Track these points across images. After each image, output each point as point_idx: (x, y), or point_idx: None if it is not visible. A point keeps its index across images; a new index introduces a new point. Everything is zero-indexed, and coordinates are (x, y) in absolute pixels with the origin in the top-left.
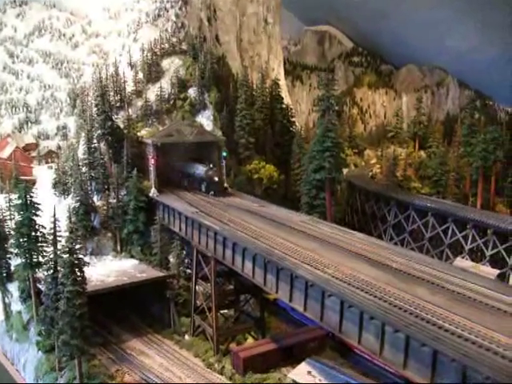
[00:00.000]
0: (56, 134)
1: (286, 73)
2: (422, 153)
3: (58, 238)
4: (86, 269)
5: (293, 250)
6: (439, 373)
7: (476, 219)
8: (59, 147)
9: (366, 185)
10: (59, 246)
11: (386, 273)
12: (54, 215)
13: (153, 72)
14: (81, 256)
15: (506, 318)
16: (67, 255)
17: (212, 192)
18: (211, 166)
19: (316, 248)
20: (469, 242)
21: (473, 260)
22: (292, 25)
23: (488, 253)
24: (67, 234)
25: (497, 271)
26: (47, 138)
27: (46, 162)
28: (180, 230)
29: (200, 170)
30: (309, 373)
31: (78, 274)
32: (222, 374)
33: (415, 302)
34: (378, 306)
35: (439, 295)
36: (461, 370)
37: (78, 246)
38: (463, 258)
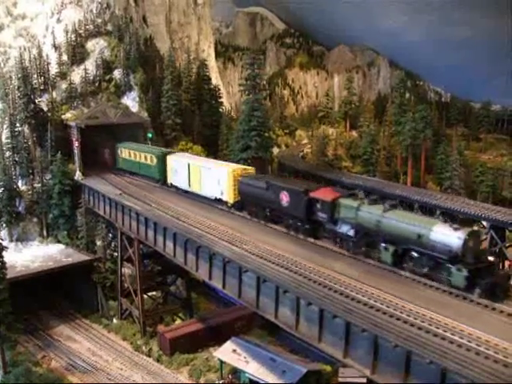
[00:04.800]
0: None
1: (218, 55)
2: (354, 133)
3: None
4: (10, 255)
5: (212, 227)
6: (352, 344)
7: (401, 195)
8: None
9: (296, 164)
10: None
11: (306, 249)
12: None
13: (77, 54)
14: None
15: (420, 287)
16: None
17: (480, 290)
18: (476, 230)
19: (236, 226)
20: None
21: None
22: (224, 6)
23: None
24: None
25: None
26: None
27: None
28: (104, 212)
29: (449, 234)
30: (234, 351)
31: None
32: (149, 356)
33: (331, 275)
34: (293, 279)
35: (356, 268)
36: (372, 339)
37: None
38: None
